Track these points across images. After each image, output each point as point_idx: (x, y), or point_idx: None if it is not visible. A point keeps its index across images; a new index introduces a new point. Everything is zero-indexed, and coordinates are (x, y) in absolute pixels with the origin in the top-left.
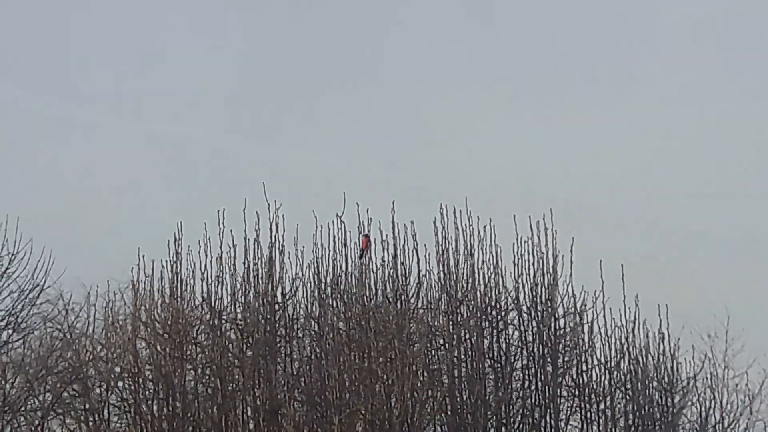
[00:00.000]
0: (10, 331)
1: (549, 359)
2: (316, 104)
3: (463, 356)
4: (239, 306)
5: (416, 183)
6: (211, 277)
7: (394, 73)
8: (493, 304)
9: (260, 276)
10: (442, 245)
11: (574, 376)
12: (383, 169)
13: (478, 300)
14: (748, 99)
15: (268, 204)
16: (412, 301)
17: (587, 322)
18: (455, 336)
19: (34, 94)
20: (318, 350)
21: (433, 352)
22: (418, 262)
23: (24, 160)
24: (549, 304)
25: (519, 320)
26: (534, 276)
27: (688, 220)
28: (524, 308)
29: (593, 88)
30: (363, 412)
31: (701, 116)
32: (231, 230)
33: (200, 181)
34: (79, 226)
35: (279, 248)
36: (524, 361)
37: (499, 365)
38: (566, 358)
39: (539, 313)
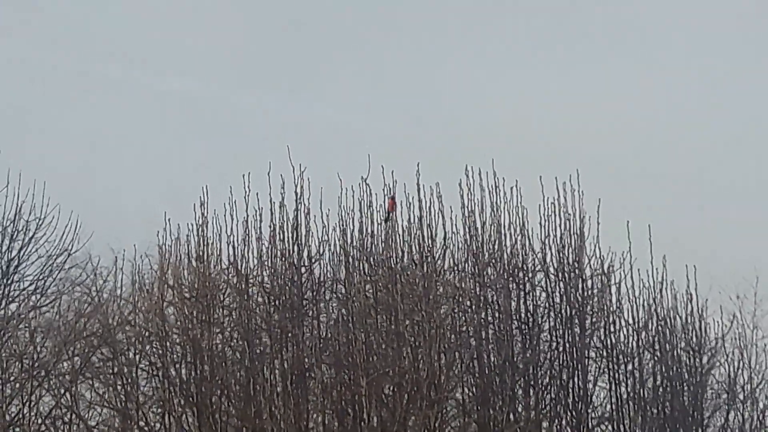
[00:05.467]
0: (38, 296)
1: (577, 320)
2: (337, 65)
3: (490, 318)
4: (266, 269)
5: (441, 145)
6: (237, 241)
7: (416, 32)
8: (520, 265)
9: (286, 239)
10: (467, 207)
11: (602, 338)
12: (407, 131)
13: (505, 261)
14: None
15: (293, 167)
16: (439, 263)
17: (615, 283)
18: (482, 298)
19: (70, 54)
20: (345, 313)
21: (460, 314)
22: (443, 224)
23: (46, 123)
24: (576, 266)
25: (546, 282)
26: (561, 237)
27: (715, 179)
28: (551, 269)
29: (617, 44)
30: (390, 374)
31: (730, 68)
32: (257, 193)
33: (223, 142)
34: (104, 188)
35: (304, 211)
36: (552, 323)
37: (526, 327)
38: (594, 320)
39: (566, 275)
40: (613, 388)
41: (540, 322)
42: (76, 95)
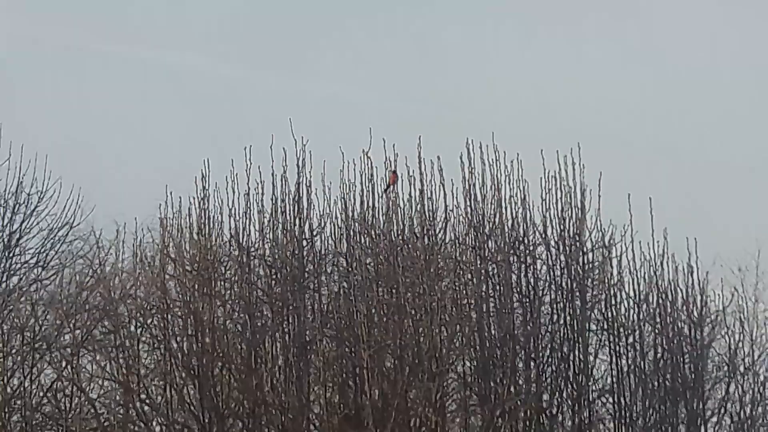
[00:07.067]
0: (40, 269)
1: (577, 293)
2: (337, 39)
3: (491, 291)
4: (267, 242)
5: (442, 118)
6: (238, 214)
7: (416, 5)
8: (520, 238)
9: (288, 212)
10: (468, 180)
11: (603, 310)
12: (408, 104)
13: (506, 235)
14: None
15: (295, 140)
16: (440, 236)
17: (616, 256)
18: (483, 271)
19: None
20: (346, 286)
21: (461, 287)
22: (444, 198)
23: (50, 98)
24: (577, 239)
25: (547, 255)
26: (562, 210)
27: (717, 151)
28: (552, 243)
29: (618, 19)
30: (392, 347)
31: (734, 42)
32: (258, 166)
33: (224, 116)
34: (106, 161)
35: (306, 184)
36: (552, 296)
37: (527, 300)
38: (595, 292)
39: (567, 248)
40: (614, 360)
41: (541, 295)
42: (76, 73)
